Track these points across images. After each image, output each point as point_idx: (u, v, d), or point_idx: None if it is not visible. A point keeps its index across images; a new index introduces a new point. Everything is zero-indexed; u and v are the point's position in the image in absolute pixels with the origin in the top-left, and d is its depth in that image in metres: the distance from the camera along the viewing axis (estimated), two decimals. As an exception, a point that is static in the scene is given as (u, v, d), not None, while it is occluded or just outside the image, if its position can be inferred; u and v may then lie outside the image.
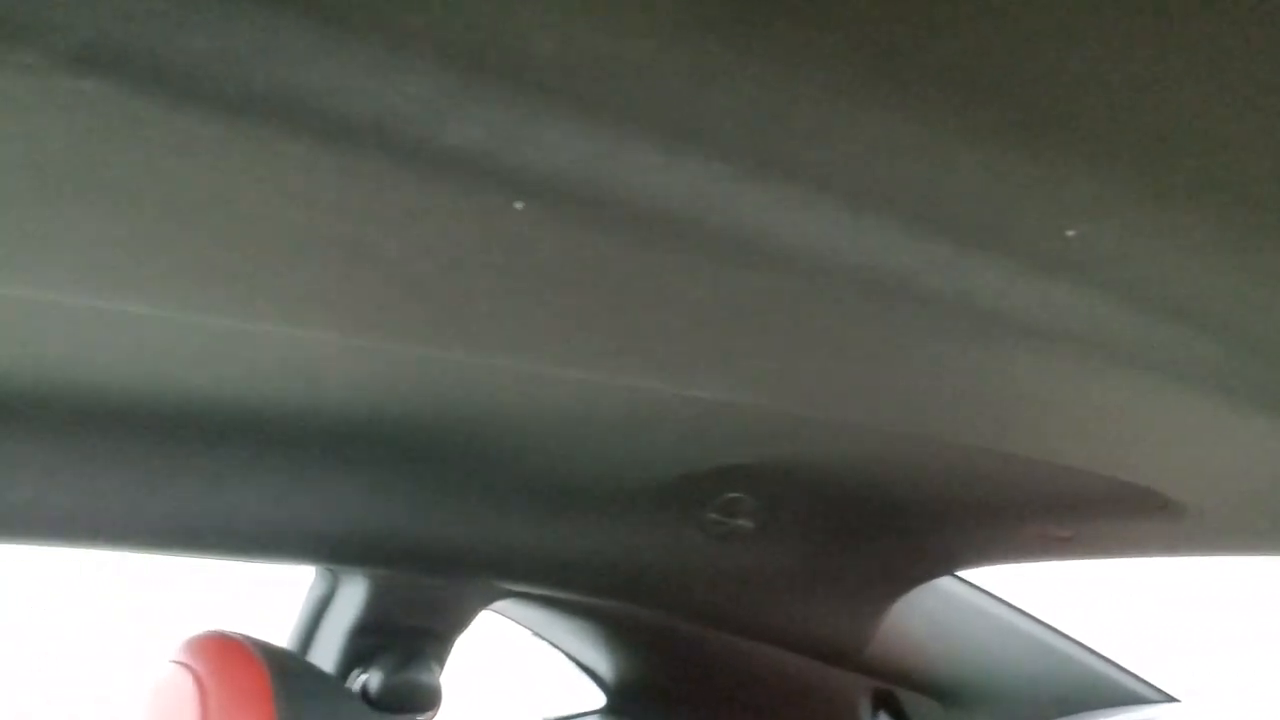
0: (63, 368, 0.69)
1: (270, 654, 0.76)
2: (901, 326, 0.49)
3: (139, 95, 0.29)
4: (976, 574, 1.29)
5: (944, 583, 1.28)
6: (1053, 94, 0.34)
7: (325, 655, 1.04)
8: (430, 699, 1.04)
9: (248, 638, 0.78)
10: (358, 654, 1.03)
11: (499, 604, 1.15)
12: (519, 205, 0.36)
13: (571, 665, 1.34)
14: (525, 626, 1.28)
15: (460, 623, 1.09)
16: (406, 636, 1.05)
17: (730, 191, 0.37)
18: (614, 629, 1.26)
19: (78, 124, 0.30)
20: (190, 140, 0.31)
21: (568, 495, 0.98)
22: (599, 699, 1.34)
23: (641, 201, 0.36)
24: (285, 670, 0.74)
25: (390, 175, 0.35)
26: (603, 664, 1.32)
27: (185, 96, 0.29)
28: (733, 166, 0.36)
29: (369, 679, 1.01)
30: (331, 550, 0.97)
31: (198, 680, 0.72)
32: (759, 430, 0.86)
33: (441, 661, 1.08)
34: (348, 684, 1.01)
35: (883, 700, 1.32)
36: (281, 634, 1.06)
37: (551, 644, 1.31)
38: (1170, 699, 1.39)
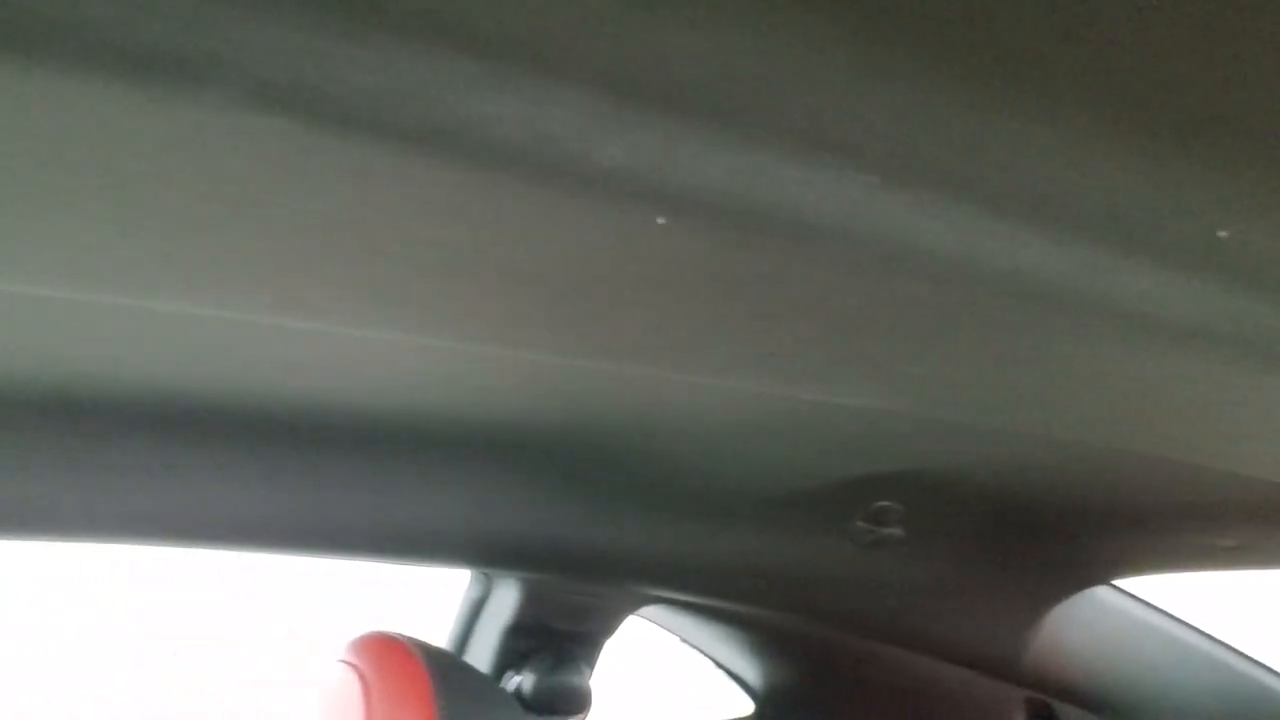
0: (244, 377, 0.73)
1: (430, 654, 0.79)
2: (1051, 331, 0.49)
3: (311, 128, 0.31)
4: (1134, 584, 1.25)
5: (1101, 592, 1.24)
6: (1205, 95, 0.34)
7: (480, 656, 1.07)
8: (581, 702, 1.06)
9: (409, 638, 0.81)
10: (511, 656, 1.06)
11: (647, 610, 1.17)
12: (661, 220, 0.37)
13: (719, 671, 1.34)
14: (672, 632, 1.30)
15: (609, 627, 1.11)
16: (557, 640, 1.07)
17: (876, 200, 0.38)
18: (762, 636, 1.26)
19: (256, 156, 0.33)
20: (359, 169, 0.33)
21: (716, 502, 0.99)
22: (747, 706, 1.34)
23: (786, 212, 0.37)
24: (445, 670, 0.77)
25: (542, 196, 0.36)
26: (750, 671, 1.33)
27: (354, 128, 0.31)
28: (878, 175, 0.36)
29: (522, 681, 1.04)
30: (486, 554, 1.00)
31: (363, 679, 0.76)
32: (908, 437, 0.85)
33: (591, 665, 1.10)
34: (501, 685, 1.04)
35: (1038, 712, 1.29)
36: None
37: (699, 650, 1.32)
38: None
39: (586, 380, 0.72)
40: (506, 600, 1.07)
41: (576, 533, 0.98)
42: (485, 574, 1.11)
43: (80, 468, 0.78)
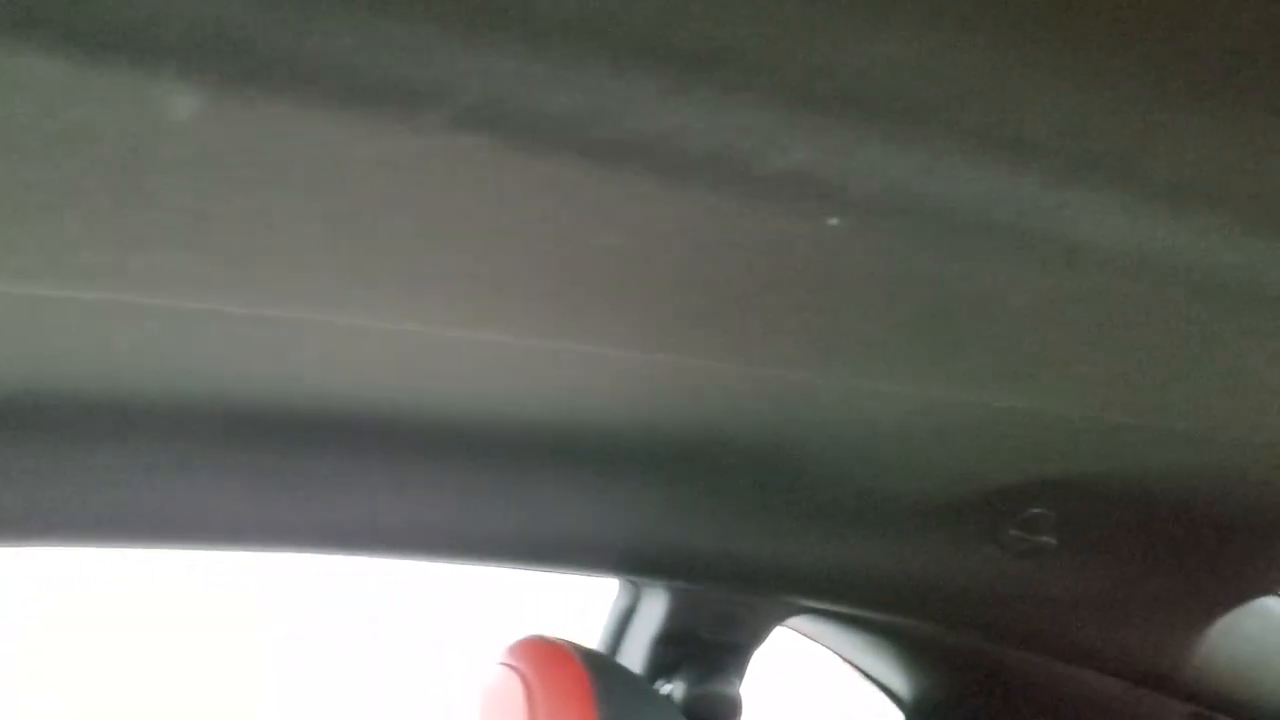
0: (405, 387, 0.75)
1: (590, 658, 0.80)
2: (1228, 327, 0.48)
3: (513, 147, 0.32)
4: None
5: (1269, 603, 1.19)
6: None
7: (630, 665, 1.08)
8: (732, 711, 1.06)
9: (569, 642, 0.83)
10: (661, 664, 1.06)
11: (794, 620, 1.16)
12: (834, 221, 0.38)
13: (868, 683, 1.33)
14: (820, 643, 1.29)
15: (757, 637, 1.11)
16: (706, 649, 1.08)
17: (1051, 195, 0.37)
18: (911, 647, 1.25)
19: (460, 176, 0.34)
20: (552, 185, 0.35)
21: (865, 510, 0.99)
22: (897, 718, 1.33)
23: (959, 211, 0.37)
24: (605, 673, 0.78)
25: (717, 202, 0.37)
26: (899, 682, 1.31)
27: (551, 146, 0.32)
28: (1054, 172, 0.36)
29: (673, 690, 1.05)
30: (633, 562, 1.01)
31: (524, 681, 0.77)
32: (1065, 441, 0.84)
33: (740, 675, 1.10)
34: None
35: (1202, 727, 1.25)
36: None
37: (847, 661, 1.31)
38: None
39: (740, 387, 0.73)
40: (655, 609, 1.08)
41: (724, 541, 0.98)
42: (633, 582, 1.12)
43: (258, 478, 0.81)
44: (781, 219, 0.39)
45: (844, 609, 1.11)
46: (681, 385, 0.74)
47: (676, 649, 1.08)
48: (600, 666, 0.79)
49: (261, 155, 0.32)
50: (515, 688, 0.78)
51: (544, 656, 0.79)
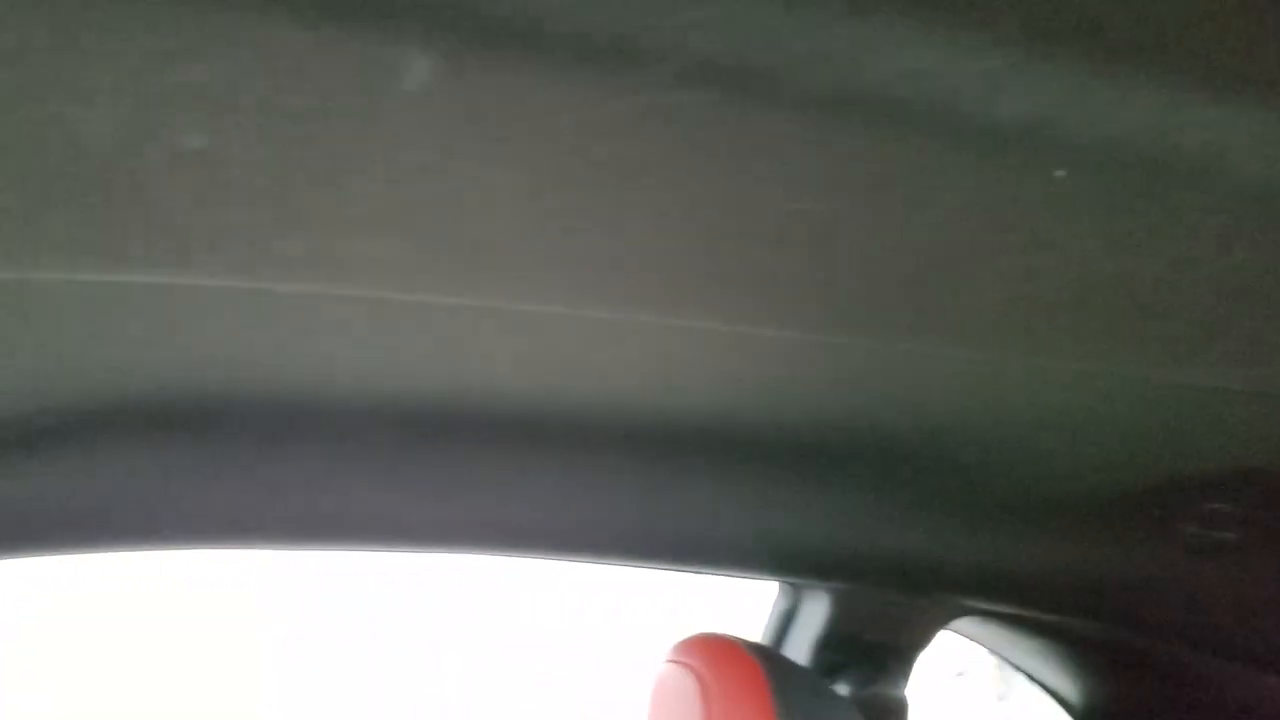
0: (578, 386, 0.76)
1: (765, 655, 0.80)
2: None
3: (733, 103, 0.32)
4: None
5: None
6: None
7: (795, 667, 1.07)
8: (899, 714, 1.05)
9: (742, 639, 0.83)
10: (826, 666, 1.05)
11: (959, 622, 1.14)
12: (1060, 174, 0.36)
13: (1036, 687, 1.29)
14: (985, 646, 1.26)
15: (922, 640, 1.09)
16: (870, 651, 1.06)
17: None
18: (1083, 649, 1.21)
19: (676, 136, 0.34)
20: (769, 144, 0.35)
21: (1035, 506, 0.96)
22: (1064, 723, 1.29)
23: (1190, 159, 0.36)
24: (780, 671, 0.78)
25: (941, 156, 0.36)
26: (1070, 687, 1.27)
27: (770, 100, 0.32)
28: None
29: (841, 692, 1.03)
30: (794, 565, 1.00)
31: (699, 679, 0.77)
32: (1251, 429, 0.80)
33: (906, 678, 1.08)
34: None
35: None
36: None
37: (1014, 665, 1.28)
38: None
39: (906, 373, 0.71)
40: (817, 611, 1.07)
41: (888, 541, 0.97)
42: (793, 584, 1.11)
43: (430, 479, 0.83)
44: (1007, 172, 0.37)
45: (1012, 609, 1.08)
46: (846, 374, 0.73)
47: (839, 652, 1.06)
48: (775, 663, 0.78)
49: (488, 123, 0.33)
50: (689, 684, 0.78)
51: (718, 653, 0.79)
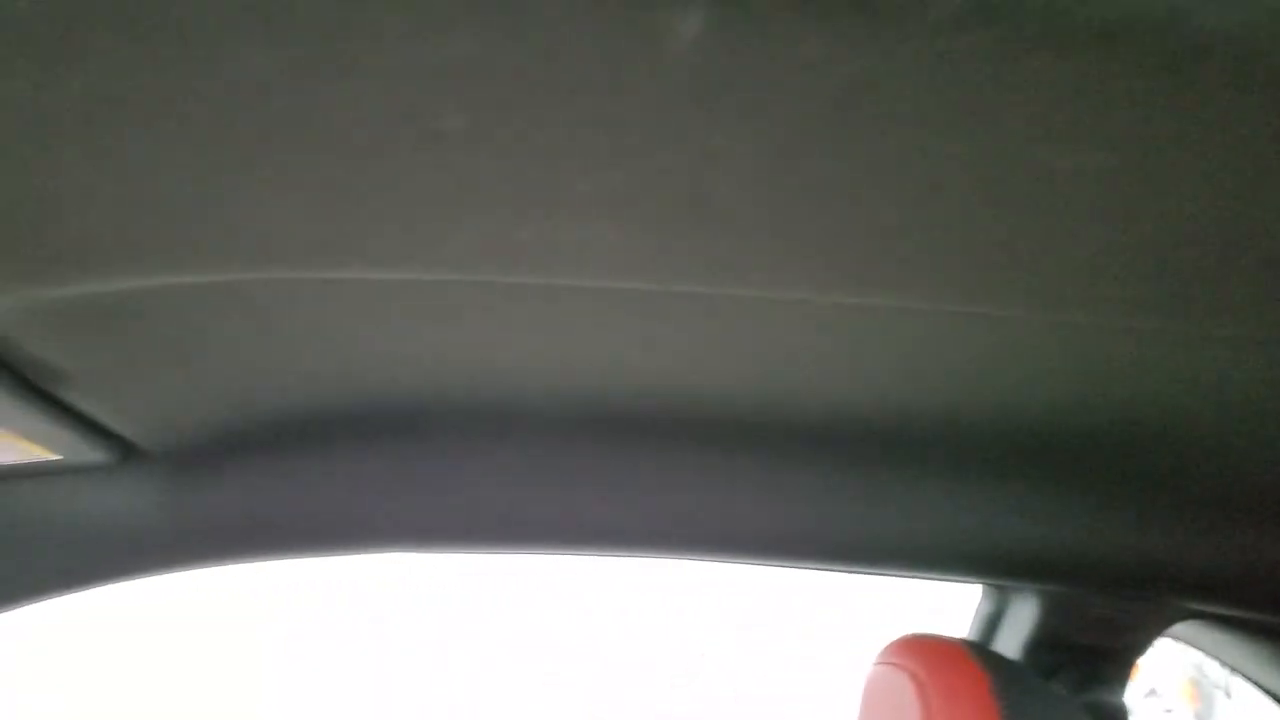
0: (772, 384, 0.74)
1: (985, 656, 0.77)
2: None
3: (1008, 45, 0.30)
4: None
5: None
6: None
7: (1003, 672, 1.03)
8: (1118, 720, 1.00)
9: (959, 640, 0.79)
10: (1039, 670, 1.01)
11: (1178, 626, 1.07)
12: None
13: (1264, 696, 1.21)
14: (1207, 651, 1.19)
15: (1139, 644, 1.03)
16: (1084, 655, 1.01)
17: None
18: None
19: (941, 88, 0.32)
20: (1034, 93, 0.32)
21: (1261, 502, 0.90)
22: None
23: None
24: (1004, 673, 0.74)
25: (1228, 98, 0.32)
26: (1302, 695, 1.19)
27: (1043, 39, 0.30)
28: None
29: (1053, 696, 0.99)
30: (1002, 567, 0.96)
31: (916, 681, 0.75)
32: None
33: (1124, 682, 1.03)
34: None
35: None
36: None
37: (1238, 671, 1.20)
38: None
39: (1117, 372, 0.67)
40: (1025, 614, 1.03)
41: (1101, 541, 0.92)
42: (999, 587, 1.07)
43: (615, 480, 0.83)
44: None
45: (1238, 613, 1.02)
46: (1048, 374, 0.69)
47: (1050, 655, 1.02)
48: (998, 665, 0.75)
49: (747, 84, 0.31)
50: (905, 687, 0.75)
51: (936, 655, 0.76)
